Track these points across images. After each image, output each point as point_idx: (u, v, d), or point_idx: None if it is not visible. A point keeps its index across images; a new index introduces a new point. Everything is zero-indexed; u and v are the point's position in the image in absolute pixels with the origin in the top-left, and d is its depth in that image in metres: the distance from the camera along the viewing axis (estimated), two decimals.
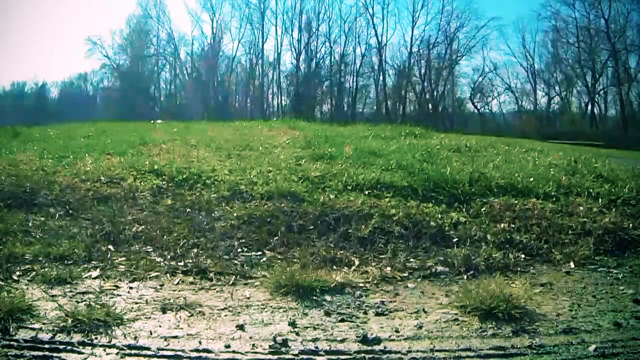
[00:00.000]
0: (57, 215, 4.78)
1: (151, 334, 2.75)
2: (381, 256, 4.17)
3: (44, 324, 2.80)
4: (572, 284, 3.74)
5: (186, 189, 5.64)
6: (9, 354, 2.48)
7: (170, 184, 5.76)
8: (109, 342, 2.64)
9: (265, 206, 4.99)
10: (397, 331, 2.86)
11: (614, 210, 5.21)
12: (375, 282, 3.67)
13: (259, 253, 4.19)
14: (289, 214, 4.84)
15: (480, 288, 3.27)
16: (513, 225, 4.82)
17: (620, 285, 3.69)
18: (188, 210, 4.99)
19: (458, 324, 2.96)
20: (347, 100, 46.21)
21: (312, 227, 4.64)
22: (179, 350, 2.58)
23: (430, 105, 43.99)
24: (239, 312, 3.09)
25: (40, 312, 2.94)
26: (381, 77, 44.61)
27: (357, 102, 46.10)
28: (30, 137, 10.84)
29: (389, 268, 3.91)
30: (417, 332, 2.85)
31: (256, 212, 4.87)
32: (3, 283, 3.37)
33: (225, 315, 3.04)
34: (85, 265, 3.81)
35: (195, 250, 4.16)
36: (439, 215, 4.93)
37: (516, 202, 5.34)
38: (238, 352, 2.59)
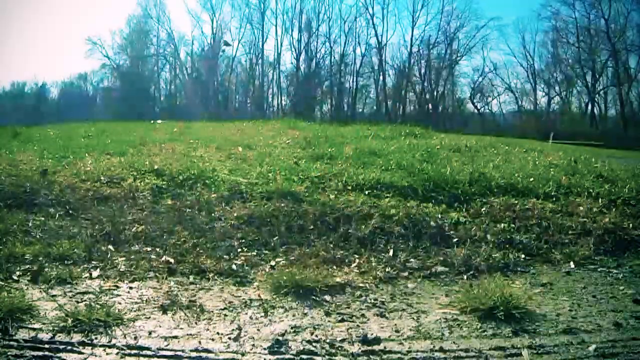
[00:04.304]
0: (57, 215, 4.78)
1: (151, 334, 2.75)
2: (381, 256, 4.17)
3: (44, 324, 2.80)
4: (572, 284, 3.74)
5: (186, 189, 5.64)
6: (9, 354, 2.48)
7: (170, 184, 5.77)
8: (109, 342, 2.63)
9: (265, 206, 4.99)
10: (397, 331, 2.86)
11: (614, 210, 5.21)
12: (375, 282, 3.67)
13: (259, 253, 4.18)
14: (289, 214, 4.83)
15: (480, 288, 3.27)
16: (513, 225, 4.82)
17: (620, 285, 3.69)
18: (188, 210, 4.99)
19: (458, 324, 2.95)
20: (347, 100, 46.23)
21: (312, 227, 4.64)
22: (179, 350, 2.58)
23: (430, 105, 43.99)
24: (239, 312, 3.09)
25: (40, 312, 2.94)
26: (381, 77, 44.65)
27: (357, 102, 46.12)
28: (30, 137, 10.83)
29: (389, 268, 3.92)
30: (417, 332, 2.85)
31: (256, 212, 4.87)
32: (3, 283, 3.36)
33: (225, 315, 3.04)
34: (85, 265, 3.81)
35: (195, 250, 4.16)
36: (439, 215, 4.93)
37: (516, 202, 5.34)
38: (238, 352, 2.58)
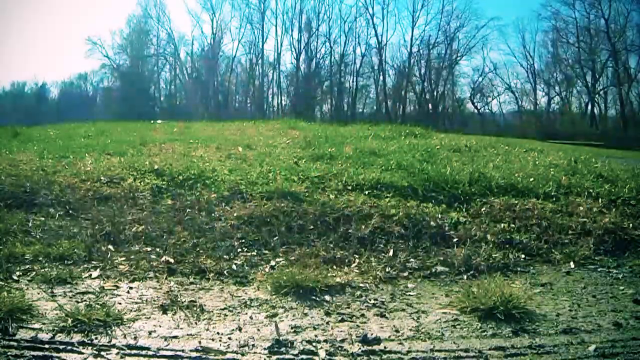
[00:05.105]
0: (57, 215, 4.78)
1: (151, 334, 2.75)
2: (381, 256, 4.17)
3: (44, 324, 2.80)
4: (572, 284, 3.74)
5: (186, 189, 5.64)
6: (9, 354, 2.48)
7: (170, 184, 5.77)
8: (109, 342, 2.63)
9: (265, 206, 4.99)
10: (397, 331, 2.86)
11: (614, 210, 5.21)
12: (375, 282, 3.67)
13: (259, 253, 4.18)
14: (289, 214, 4.83)
15: (480, 288, 3.27)
16: (513, 225, 4.82)
17: (620, 285, 3.69)
18: (188, 210, 4.99)
19: (458, 324, 2.95)
20: (347, 100, 46.26)
21: (312, 227, 4.64)
22: (179, 350, 2.58)
23: (430, 105, 44.01)
24: (239, 312, 3.09)
25: (40, 312, 2.94)
26: (381, 77, 44.66)
27: (357, 102, 46.15)
28: (30, 137, 10.84)
29: (389, 268, 3.92)
30: (417, 332, 2.85)
31: (256, 212, 4.86)
32: (3, 283, 3.36)
33: (225, 315, 3.04)
34: (85, 265, 3.81)
35: (195, 250, 4.16)
36: (439, 215, 4.93)
37: (516, 202, 5.34)
38: (238, 352, 2.58)
